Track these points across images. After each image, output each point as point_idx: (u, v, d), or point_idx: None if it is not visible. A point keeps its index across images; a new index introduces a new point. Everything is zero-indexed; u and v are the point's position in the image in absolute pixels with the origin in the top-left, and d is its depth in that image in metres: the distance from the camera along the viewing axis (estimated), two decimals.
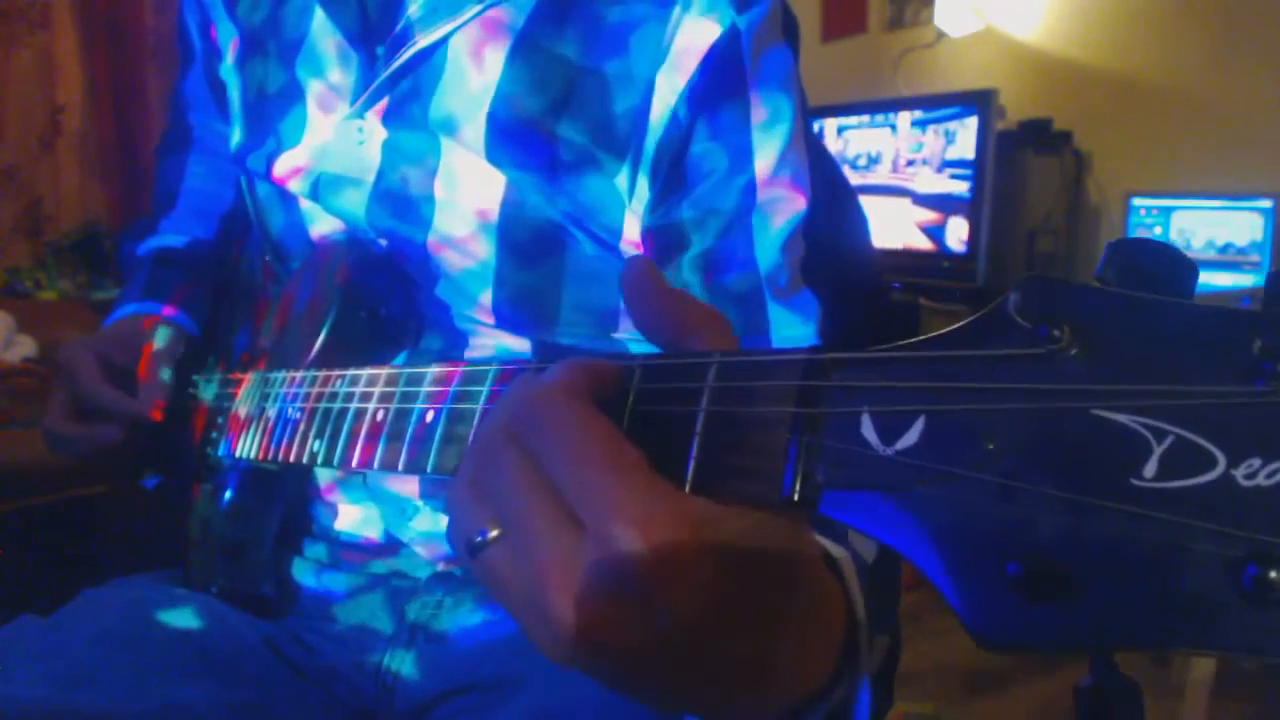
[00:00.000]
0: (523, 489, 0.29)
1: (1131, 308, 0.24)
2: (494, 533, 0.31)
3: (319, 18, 0.71)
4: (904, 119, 2.60)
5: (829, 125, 2.76)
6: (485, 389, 0.43)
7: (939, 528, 0.25)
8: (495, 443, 0.31)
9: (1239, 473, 0.21)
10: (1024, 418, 0.24)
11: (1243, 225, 2.12)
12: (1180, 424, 0.22)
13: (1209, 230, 2.17)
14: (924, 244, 2.56)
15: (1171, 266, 0.24)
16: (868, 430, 0.27)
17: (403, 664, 0.69)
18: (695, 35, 0.61)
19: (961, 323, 0.26)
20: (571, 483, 0.28)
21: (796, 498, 0.28)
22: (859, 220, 0.86)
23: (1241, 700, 1.79)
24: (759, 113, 0.62)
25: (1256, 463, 0.21)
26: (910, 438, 0.26)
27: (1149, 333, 0.23)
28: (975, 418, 0.25)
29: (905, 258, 2.58)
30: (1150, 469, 0.22)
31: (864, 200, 0.87)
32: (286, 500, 0.73)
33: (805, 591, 0.33)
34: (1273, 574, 0.20)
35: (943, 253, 2.50)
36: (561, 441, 0.29)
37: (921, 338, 0.27)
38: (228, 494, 0.73)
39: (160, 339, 0.78)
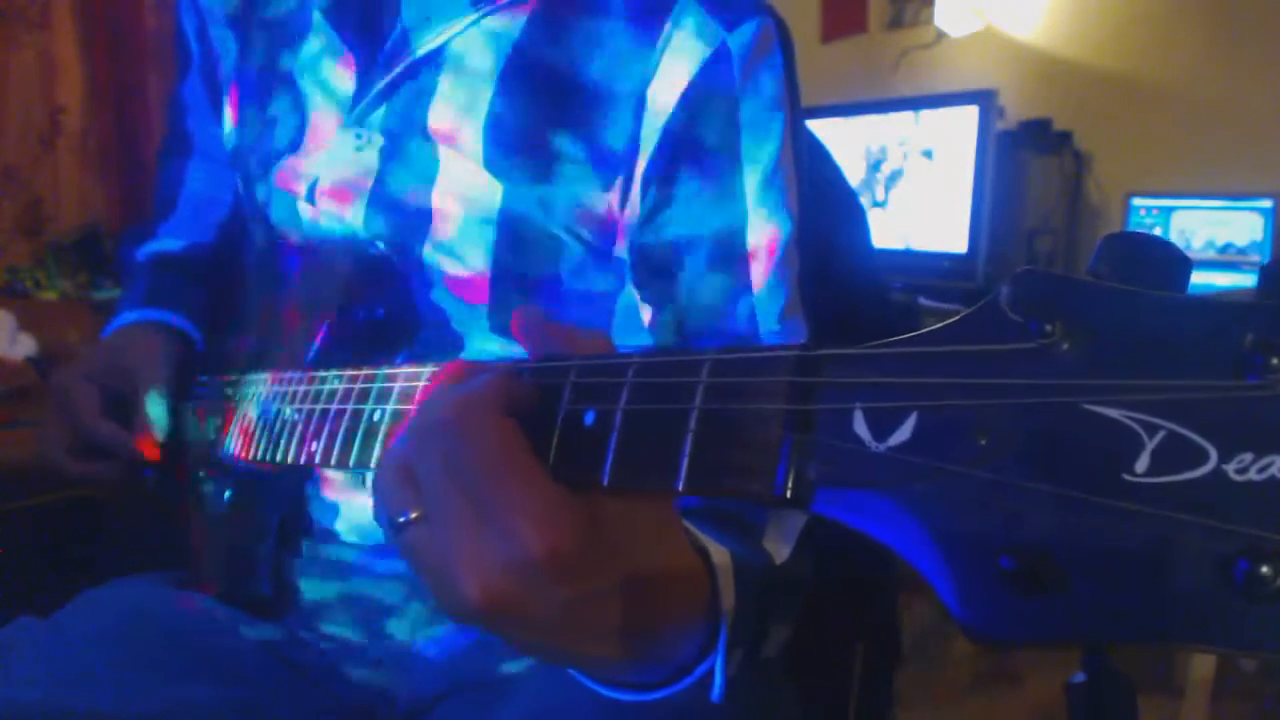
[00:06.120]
0: (442, 484, 0.34)
1: (1123, 301, 0.24)
2: (415, 514, 0.35)
3: (318, 24, 0.71)
4: (904, 119, 2.60)
5: (829, 126, 2.76)
6: None
7: (931, 523, 0.25)
8: (424, 438, 0.35)
9: (1230, 467, 0.21)
10: (1015, 413, 0.24)
11: (1243, 225, 2.12)
12: (1172, 418, 0.22)
13: (1209, 230, 2.17)
14: (924, 244, 2.56)
15: (1164, 260, 0.24)
16: (860, 427, 0.27)
17: (402, 664, 0.69)
18: (686, 53, 0.61)
19: (954, 318, 0.26)
20: (480, 486, 0.33)
21: (790, 495, 0.28)
22: (858, 221, 0.86)
23: (1241, 700, 1.79)
24: (748, 131, 0.62)
25: (1248, 457, 0.21)
26: (903, 434, 0.26)
27: (1141, 326, 0.23)
28: (967, 413, 0.25)
29: (905, 258, 2.58)
30: (1142, 464, 0.22)
31: (863, 201, 0.87)
32: (286, 500, 0.72)
33: (671, 577, 0.40)
34: (1264, 569, 0.20)
35: (942, 253, 2.50)
36: (473, 449, 0.34)
37: (914, 333, 0.27)
38: (228, 494, 0.73)
39: (160, 359, 0.78)
